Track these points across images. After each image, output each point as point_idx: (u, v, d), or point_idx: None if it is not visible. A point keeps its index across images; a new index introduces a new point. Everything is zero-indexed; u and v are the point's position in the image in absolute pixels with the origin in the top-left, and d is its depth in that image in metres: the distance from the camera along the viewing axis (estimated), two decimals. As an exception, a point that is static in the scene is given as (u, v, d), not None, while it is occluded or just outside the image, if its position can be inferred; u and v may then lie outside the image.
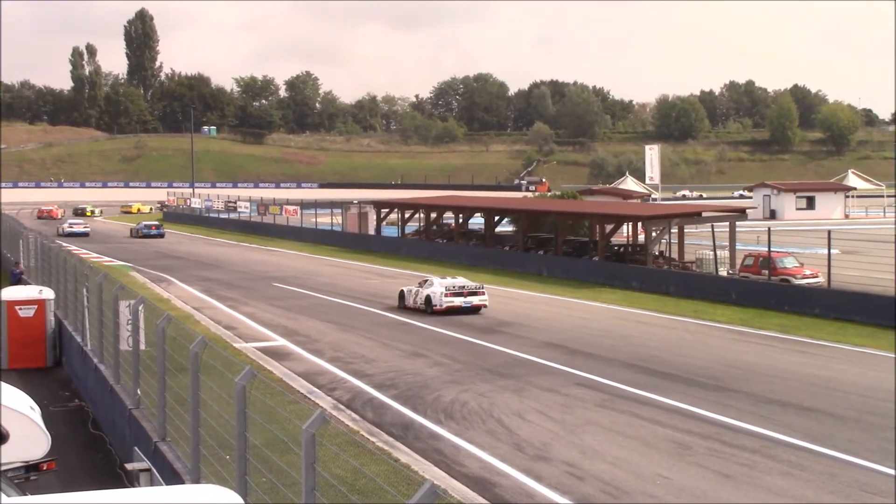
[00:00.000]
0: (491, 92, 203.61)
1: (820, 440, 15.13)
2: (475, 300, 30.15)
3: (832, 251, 29.53)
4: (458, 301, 29.85)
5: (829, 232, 29.44)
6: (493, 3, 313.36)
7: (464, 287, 30.43)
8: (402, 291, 31.78)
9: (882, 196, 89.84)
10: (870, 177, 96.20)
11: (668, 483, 13.24)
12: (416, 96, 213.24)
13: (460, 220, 53.03)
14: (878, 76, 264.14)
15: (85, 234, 66.78)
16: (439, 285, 30.31)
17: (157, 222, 71.58)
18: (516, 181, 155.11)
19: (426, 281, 31.28)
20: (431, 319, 28.34)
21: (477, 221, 54.40)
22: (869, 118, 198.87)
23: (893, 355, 22.05)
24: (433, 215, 55.65)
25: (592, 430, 15.99)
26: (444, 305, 29.73)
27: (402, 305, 31.18)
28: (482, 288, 30.85)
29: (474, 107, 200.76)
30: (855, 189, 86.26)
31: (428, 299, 30.27)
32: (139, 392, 14.13)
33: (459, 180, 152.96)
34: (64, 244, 41.98)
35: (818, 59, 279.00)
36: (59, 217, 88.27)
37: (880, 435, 15.49)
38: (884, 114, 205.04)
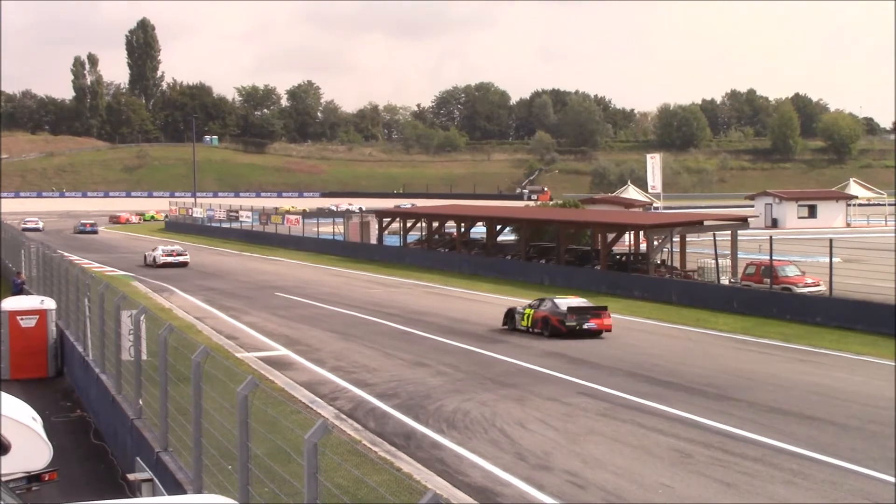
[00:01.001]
0: (492, 101, 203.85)
1: (822, 449, 15.13)
2: (181, 259, 50.86)
3: (834, 260, 29.54)
4: (170, 259, 50.60)
5: (831, 240, 29.47)
6: (494, 13, 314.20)
7: (173, 250, 51.55)
8: (145, 255, 52.53)
9: (884, 205, 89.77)
10: (871, 185, 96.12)
11: (671, 492, 13.23)
12: (418, 105, 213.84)
13: (462, 230, 53.07)
14: (879, 85, 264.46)
15: (38, 230, 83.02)
16: (161, 251, 51.43)
17: (92, 221, 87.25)
18: (518, 190, 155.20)
19: (156, 248, 52.33)
20: (433, 329, 28.38)
21: (479, 230, 54.44)
22: (870, 127, 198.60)
23: (894, 364, 22.05)
24: (435, 224, 55.67)
25: (594, 438, 15.99)
26: (161, 262, 50.18)
27: (145, 264, 51.14)
28: (185, 252, 52.07)
29: (476, 116, 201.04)
30: (856, 198, 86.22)
31: (154, 259, 50.78)
32: (141, 402, 14.13)
33: (461, 189, 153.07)
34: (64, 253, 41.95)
35: (819, 68, 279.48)
36: (126, 222, 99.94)
37: (882, 443, 15.48)
38: (885, 122, 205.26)
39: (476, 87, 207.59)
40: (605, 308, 27.53)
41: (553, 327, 26.60)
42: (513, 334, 27.31)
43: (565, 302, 27.35)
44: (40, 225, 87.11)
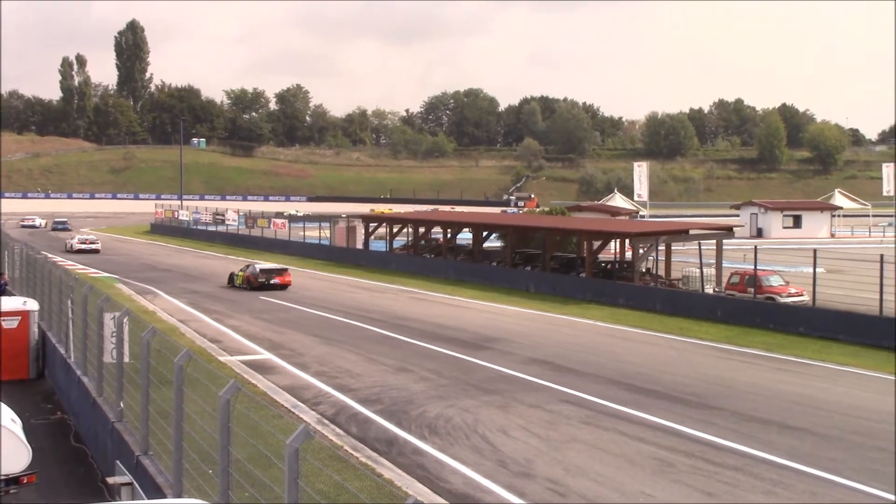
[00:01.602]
0: (481, 107, 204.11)
1: (802, 459, 15.18)
2: (93, 247, 61.43)
3: (817, 270, 29.67)
4: (84, 246, 60.96)
5: (815, 251, 29.56)
6: (484, 19, 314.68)
7: (87, 239, 62.57)
8: (65, 243, 63.72)
9: (868, 216, 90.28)
10: (856, 196, 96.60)
11: (651, 500, 13.26)
12: (407, 111, 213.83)
13: (448, 235, 53.06)
14: (865, 97, 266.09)
15: (34, 227, 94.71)
16: (76, 240, 62.54)
17: (64, 219, 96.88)
18: (505, 197, 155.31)
19: (73, 237, 62.42)
20: (417, 335, 28.36)
21: (465, 236, 54.43)
22: (856, 138, 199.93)
23: (884, 375, 22.16)
24: (421, 230, 55.67)
25: (576, 446, 16.01)
26: (76, 249, 60.70)
27: (65, 250, 60.57)
28: (97, 241, 63.42)
29: (464, 122, 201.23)
30: (841, 208, 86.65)
31: (71, 246, 61.41)
32: (122, 405, 14.08)
33: (448, 195, 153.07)
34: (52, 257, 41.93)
35: (806, 79, 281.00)
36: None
37: (863, 454, 15.55)
38: (870, 134, 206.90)
39: (465, 93, 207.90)
40: (286, 269, 41.17)
41: (251, 283, 39.27)
42: (499, 341, 27.33)
43: (260, 265, 41.08)
44: (38, 223, 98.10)
